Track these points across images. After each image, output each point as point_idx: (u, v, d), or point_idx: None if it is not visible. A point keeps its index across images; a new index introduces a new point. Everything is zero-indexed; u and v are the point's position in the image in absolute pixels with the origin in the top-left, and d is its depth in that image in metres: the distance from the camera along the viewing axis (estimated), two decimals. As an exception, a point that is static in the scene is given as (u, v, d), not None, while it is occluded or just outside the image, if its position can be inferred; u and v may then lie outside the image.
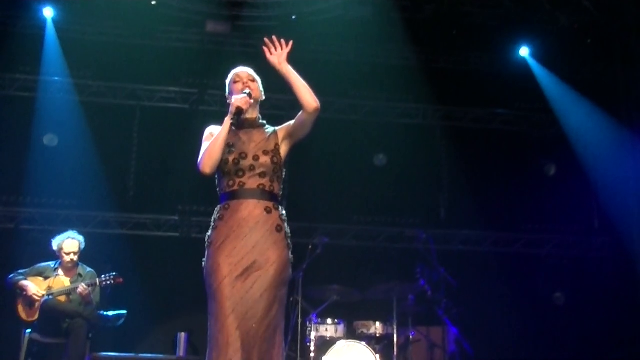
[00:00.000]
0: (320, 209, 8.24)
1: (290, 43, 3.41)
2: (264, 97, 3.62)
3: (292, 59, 3.40)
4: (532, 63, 8.65)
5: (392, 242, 8.41)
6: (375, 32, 8.06)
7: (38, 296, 5.58)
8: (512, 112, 8.87)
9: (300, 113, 3.41)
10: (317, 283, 6.72)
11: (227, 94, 3.60)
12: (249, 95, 3.44)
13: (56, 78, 7.97)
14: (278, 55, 3.38)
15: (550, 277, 8.42)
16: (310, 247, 6.47)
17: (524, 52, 8.68)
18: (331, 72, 8.18)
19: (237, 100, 3.39)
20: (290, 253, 3.36)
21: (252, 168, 3.34)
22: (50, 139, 7.92)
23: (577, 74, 8.65)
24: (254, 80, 3.56)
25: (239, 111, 3.37)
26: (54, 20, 7.87)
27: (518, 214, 8.63)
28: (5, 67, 7.87)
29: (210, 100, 8.26)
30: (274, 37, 3.41)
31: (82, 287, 5.56)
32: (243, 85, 3.50)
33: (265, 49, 3.40)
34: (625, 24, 8.12)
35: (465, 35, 8.42)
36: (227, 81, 3.61)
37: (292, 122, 3.51)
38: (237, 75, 3.58)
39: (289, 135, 3.48)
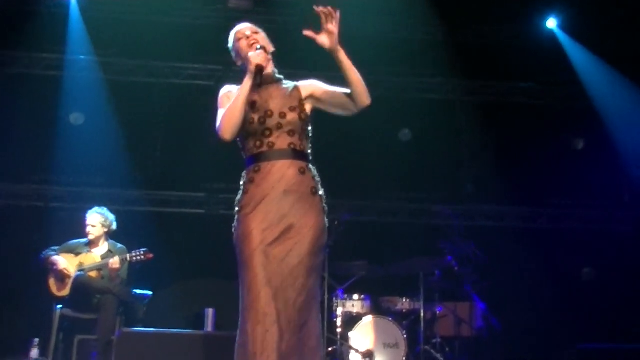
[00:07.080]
0: (344, 185, 8.22)
1: (338, 13, 2.98)
2: (273, 48, 3.30)
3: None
4: (560, 34, 8.49)
5: (417, 218, 8.38)
6: (397, 5, 7.94)
7: (68, 271, 5.67)
8: (538, 85, 8.73)
9: (346, 95, 3.15)
10: (343, 259, 6.73)
11: (234, 56, 3.34)
12: (263, 49, 3.14)
13: (81, 56, 8.00)
14: (331, 34, 2.99)
15: (577, 252, 8.34)
16: (336, 222, 6.47)
17: (552, 23, 8.51)
18: (353, 47, 7.96)
19: (255, 57, 3.07)
20: (325, 218, 3.14)
21: (279, 126, 3.08)
22: (76, 118, 7.98)
23: (606, 45, 8.45)
24: (257, 32, 3.27)
25: (259, 69, 3.05)
26: (78, -1, 7.90)
27: (544, 188, 8.53)
28: (30, 46, 7.91)
29: (235, 77, 8.10)
30: (328, 9, 2.96)
31: (113, 261, 5.62)
32: (248, 39, 3.22)
33: (308, 33, 3.00)
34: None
35: (490, 8, 8.26)
36: (230, 44, 3.35)
37: (323, 85, 3.23)
38: (239, 32, 3.29)
39: (317, 99, 3.21)
